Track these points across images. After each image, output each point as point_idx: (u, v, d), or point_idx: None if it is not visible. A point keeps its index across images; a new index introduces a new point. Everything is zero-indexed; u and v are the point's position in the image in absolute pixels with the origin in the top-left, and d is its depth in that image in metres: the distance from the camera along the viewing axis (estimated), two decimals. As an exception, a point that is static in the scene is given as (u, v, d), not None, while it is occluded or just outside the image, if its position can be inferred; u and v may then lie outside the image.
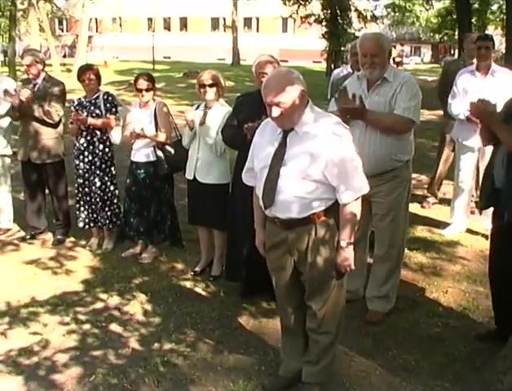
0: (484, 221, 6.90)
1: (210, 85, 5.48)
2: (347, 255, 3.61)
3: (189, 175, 5.69)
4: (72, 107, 6.38)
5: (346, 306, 5.01)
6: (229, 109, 5.50)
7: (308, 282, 3.72)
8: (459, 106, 6.45)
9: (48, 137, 6.59)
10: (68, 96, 6.76)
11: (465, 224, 7.05)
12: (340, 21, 30.69)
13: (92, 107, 6.31)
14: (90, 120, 6.20)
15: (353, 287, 5.17)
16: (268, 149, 3.57)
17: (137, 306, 5.22)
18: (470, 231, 7.00)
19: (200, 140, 5.58)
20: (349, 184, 3.47)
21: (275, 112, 3.42)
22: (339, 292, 3.79)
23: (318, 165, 3.42)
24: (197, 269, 5.90)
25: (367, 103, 4.65)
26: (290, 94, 3.42)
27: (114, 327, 4.86)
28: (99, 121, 6.22)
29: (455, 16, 28.15)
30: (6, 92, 6.31)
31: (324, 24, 31.40)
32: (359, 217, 3.60)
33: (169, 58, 47.00)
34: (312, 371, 3.92)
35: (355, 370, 4.24)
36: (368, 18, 33.15)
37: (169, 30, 55.62)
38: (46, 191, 6.97)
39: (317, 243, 3.59)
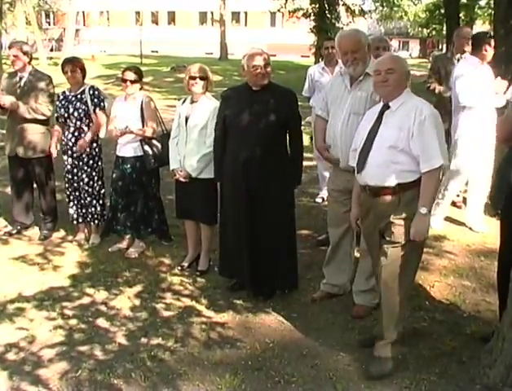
0: (469, 217, 6.95)
1: (200, 78, 5.47)
2: (424, 223, 3.90)
3: (175, 166, 5.68)
4: (58, 102, 6.34)
5: (332, 301, 5.14)
6: (217, 103, 5.48)
7: (388, 250, 4.06)
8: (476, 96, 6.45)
9: (35, 132, 6.53)
10: (56, 90, 6.70)
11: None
12: (328, 15, 30.56)
13: (78, 103, 6.27)
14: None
15: (339, 282, 5.21)
16: (367, 126, 4.11)
17: (124, 301, 5.20)
18: (457, 224, 7.03)
19: (187, 134, 5.55)
20: (428, 155, 3.84)
21: (384, 78, 3.98)
22: (411, 265, 4.12)
23: (404, 136, 3.88)
24: (184, 263, 5.89)
25: (349, 99, 4.70)
26: (400, 67, 4.02)
27: (101, 321, 4.84)
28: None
29: (443, 11, 28.24)
30: None
31: (312, 18, 31.29)
32: (436, 187, 4.05)
33: (157, 52, 46.83)
34: (381, 345, 4.20)
35: (342, 364, 4.25)
36: (357, 12, 33.10)
37: (156, 24, 55.37)
38: (34, 185, 6.93)
39: (400, 214, 3.95)
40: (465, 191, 7.29)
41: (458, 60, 7.17)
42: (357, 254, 5.24)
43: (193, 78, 5.47)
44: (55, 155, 6.55)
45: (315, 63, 26.45)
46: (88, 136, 6.29)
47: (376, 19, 51.71)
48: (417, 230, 3.89)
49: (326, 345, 4.50)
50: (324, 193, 7.83)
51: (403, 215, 3.94)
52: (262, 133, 4.93)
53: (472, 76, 6.45)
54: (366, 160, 4.01)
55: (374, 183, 3.99)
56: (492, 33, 7.17)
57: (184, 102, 5.70)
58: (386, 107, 4.05)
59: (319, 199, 8.00)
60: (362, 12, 33.90)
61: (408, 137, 3.86)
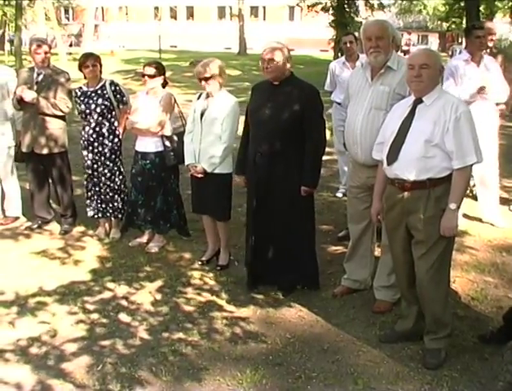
0: (485, 213, 6.91)
1: (206, 79, 5.44)
2: (453, 220, 3.91)
3: (190, 161, 5.67)
4: (77, 99, 6.37)
5: (353, 296, 5.12)
6: (233, 99, 5.52)
7: (417, 245, 4.07)
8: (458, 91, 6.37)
9: (53, 127, 6.57)
10: (74, 85, 6.73)
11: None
12: (347, 9, 30.49)
13: (100, 98, 6.28)
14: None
15: (360, 277, 5.19)
16: (398, 119, 4.09)
17: (145, 296, 5.22)
18: (477, 220, 6.98)
19: (202, 129, 5.54)
20: (463, 152, 3.84)
21: (418, 73, 3.93)
22: (445, 260, 4.13)
23: (438, 130, 3.86)
24: (204, 258, 5.90)
25: (370, 93, 4.66)
26: (434, 62, 3.98)
27: (122, 316, 4.87)
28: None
29: (463, 4, 27.97)
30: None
31: (331, 12, 31.21)
32: (467, 184, 4.05)
33: (176, 47, 46.91)
34: (432, 338, 4.21)
35: (363, 359, 4.24)
36: (376, 6, 32.93)
37: (175, 19, 55.44)
38: (50, 181, 6.97)
39: (429, 209, 3.96)
40: (474, 186, 7.26)
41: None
42: (378, 250, 5.23)
43: (200, 80, 5.48)
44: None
45: (334, 57, 26.40)
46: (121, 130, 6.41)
47: (395, 13, 51.43)
48: (447, 225, 3.89)
49: (347, 341, 4.49)
50: (345, 188, 7.81)
51: (433, 211, 3.94)
52: (276, 127, 4.92)
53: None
54: (398, 152, 3.99)
55: (405, 177, 3.97)
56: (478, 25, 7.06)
57: (200, 96, 5.69)
58: (418, 101, 4.02)
59: (339, 194, 7.97)
60: (381, 6, 33.71)
61: (442, 132, 3.85)
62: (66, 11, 55.39)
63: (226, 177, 5.60)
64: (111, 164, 6.42)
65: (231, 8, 51.04)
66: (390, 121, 4.22)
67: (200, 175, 5.56)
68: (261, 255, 5.22)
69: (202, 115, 5.53)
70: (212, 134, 5.48)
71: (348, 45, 7.47)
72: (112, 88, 6.33)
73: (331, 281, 5.45)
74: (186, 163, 5.71)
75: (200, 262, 5.86)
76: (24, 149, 6.68)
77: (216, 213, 5.74)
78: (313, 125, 4.94)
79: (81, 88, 6.41)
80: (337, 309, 4.98)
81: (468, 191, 7.32)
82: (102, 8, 53.92)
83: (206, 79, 5.43)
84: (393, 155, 4.04)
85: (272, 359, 4.23)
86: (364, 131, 4.64)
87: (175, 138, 5.97)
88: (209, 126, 5.49)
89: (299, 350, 4.34)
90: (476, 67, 6.48)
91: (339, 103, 7.54)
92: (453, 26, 44.79)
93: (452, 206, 3.87)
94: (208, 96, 5.58)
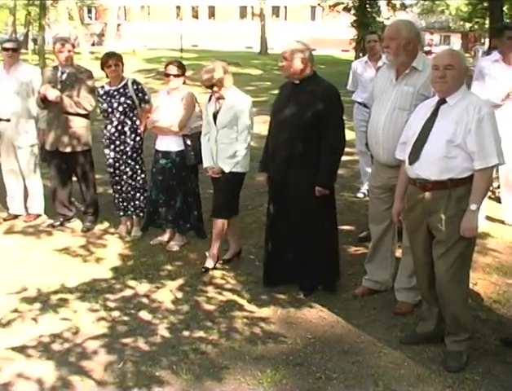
0: (508, 214, 6.84)
1: (211, 86, 5.45)
2: (473, 220, 3.90)
3: (208, 164, 5.70)
4: (99, 98, 6.40)
5: (374, 297, 5.10)
6: (246, 98, 5.53)
7: (438, 245, 4.06)
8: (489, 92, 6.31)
9: (76, 126, 6.61)
10: (97, 84, 6.78)
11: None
12: (369, 9, 30.38)
13: (122, 97, 6.31)
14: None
15: (381, 278, 5.17)
16: (421, 119, 4.08)
17: (166, 294, 5.23)
18: (500, 222, 6.91)
19: (217, 131, 5.54)
20: (484, 153, 3.82)
21: (443, 74, 3.92)
22: (465, 261, 4.11)
23: (460, 131, 3.85)
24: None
25: (394, 93, 4.63)
26: (459, 63, 3.96)
27: (143, 314, 4.88)
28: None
29: (486, 4, 27.75)
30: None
31: (352, 12, 31.11)
32: (488, 186, 4.06)
33: (197, 46, 47.04)
34: (453, 340, 4.17)
35: (384, 361, 4.21)
36: (398, 6, 32.77)
37: (197, 18, 55.61)
38: (74, 178, 7.01)
39: (450, 209, 3.94)
40: (497, 187, 7.18)
41: None
42: (399, 251, 5.20)
43: (205, 87, 5.52)
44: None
45: (356, 57, 26.33)
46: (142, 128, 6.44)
47: (417, 14, 51.15)
48: (467, 226, 3.87)
49: (368, 342, 4.47)
50: (366, 188, 7.78)
51: (454, 211, 3.91)
52: (294, 125, 4.92)
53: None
54: (420, 152, 3.97)
55: (426, 176, 3.95)
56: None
57: (211, 98, 5.68)
58: (442, 101, 4.00)
59: (360, 195, 7.94)
60: (403, 6, 33.55)
61: (464, 132, 3.83)
62: (89, 11, 55.84)
63: (238, 177, 5.61)
64: (132, 163, 6.45)
65: (252, 8, 51.13)
66: (413, 121, 4.20)
67: (217, 175, 5.59)
68: (279, 255, 5.23)
69: (215, 117, 5.52)
70: (227, 136, 5.49)
71: (372, 44, 7.44)
72: (134, 87, 6.35)
73: (352, 282, 5.43)
74: (204, 165, 5.73)
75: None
76: (47, 147, 6.73)
77: (217, 210, 5.70)
78: (330, 124, 4.90)
79: (103, 87, 6.44)
80: (357, 309, 4.96)
81: (490, 193, 7.27)
82: (124, 8, 54.22)
83: (209, 87, 5.45)
84: (415, 154, 4.02)
85: (293, 359, 4.22)
86: (387, 131, 4.62)
87: (196, 137, 5.97)
88: (223, 128, 5.49)
89: (320, 351, 4.33)
90: (507, 68, 6.41)
91: (361, 103, 7.52)
92: (476, 26, 44.41)
93: (473, 207, 3.85)
94: (219, 97, 5.57)
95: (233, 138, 5.48)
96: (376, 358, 4.26)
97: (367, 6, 30.26)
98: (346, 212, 7.20)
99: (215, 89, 5.45)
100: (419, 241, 4.20)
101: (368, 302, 5.07)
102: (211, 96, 5.66)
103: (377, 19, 30.66)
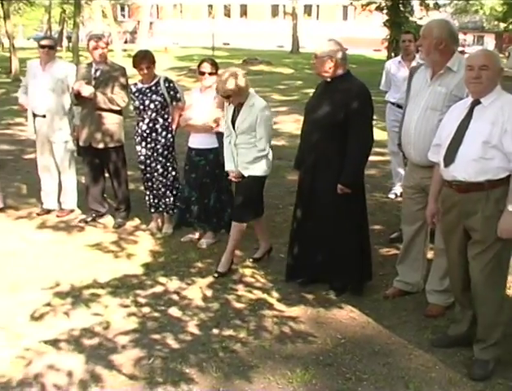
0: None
1: (227, 97, 5.40)
2: (511, 221, 3.82)
3: (229, 167, 5.67)
4: (132, 95, 6.44)
5: (405, 299, 5.06)
6: (264, 105, 5.43)
7: (473, 245, 4.01)
8: None
9: (110, 122, 6.68)
10: (130, 81, 6.83)
11: None
12: (402, 9, 30.16)
13: (154, 95, 6.34)
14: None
15: (413, 280, 5.12)
16: (455, 120, 4.02)
17: (196, 291, 5.25)
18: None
19: (236, 137, 5.50)
20: None
21: (477, 74, 3.88)
22: (501, 263, 4.05)
23: (496, 131, 3.79)
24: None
25: (428, 93, 4.60)
26: (494, 64, 3.91)
27: (173, 311, 4.90)
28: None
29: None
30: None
31: (385, 11, 30.90)
32: None
33: (229, 44, 47.14)
34: (481, 348, 4.11)
35: (415, 363, 4.17)
36: (431, 6, 32.47)
37: (229, 17, 55.76)
38: (107, 174, 7.08)
39: (487, 210, 3.89)
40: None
41: None
42: (431, 252, 5.15)
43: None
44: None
45: (388, 57, 26.19)
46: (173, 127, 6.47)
47: (450, 13, 50.63)
48: (504, 227, 3.81)
49: (398, 344, 4.43)
50: (397, 189, 7.73)
51: (491, 212, 3.86)
52: (323, 124, 4.91)
53: None
54: (456, 154, 3.92)
55: (463, 178, 3.90)
56: None
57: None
58: (476, 102, 3.94)
59: (391, 195, 7.88)
60: (436, 6, 33.23)
61: (500, 133, 3.77)
62: (122, 9, 56.34)
63: (258, 180, 5.55)
64: (163, 160, 6.48)
65: (284, 6, 51.12)
66: (446, 123, 4.14)
67: (237, 180, 5.58)
68: (306, 254, 5.23)
69: (234, 122, 5.48)
70: (246, 141, 5.45)
71: (407, 43, 7.39)
72: (166, 84, 6.38)
73: (383, 283, 5.40)
74: (226, 168, 5.71)
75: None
76: (81, 143, 6.81)
77: (236, 213, 5.66)
78: (358, 123, 4.86)
79: (136, 84, 6.48)
80: (388, 311, 4.92)
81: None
82: (157, 6, 54.58)
83: (226, 97, 5.41)
84: (450, 156, 3.97)
85: (323, 359, 4.20)
86: (419, 131, 4.59)
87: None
88: (242, 134, 5.45)
89: (350, 351, 4.31)
90: None
91: (393, 103, 7.47)
92: (511, 27, 43.84)
93: (510, 208, 3.79)
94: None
95: (252, 143, 5.43)
96: (406, 360, 4.23)
97: (400, 5, 30.03)
98: (377, 212, 7.16)
99: (231, 99, 5.40)
100: (454, 243, 4.15)
101: (399, 304, 5.03)
102: None
103: (410, 18, 30.42)
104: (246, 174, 5.48)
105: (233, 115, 5.50)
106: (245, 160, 5.46)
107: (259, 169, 5.47)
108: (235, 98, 5.39)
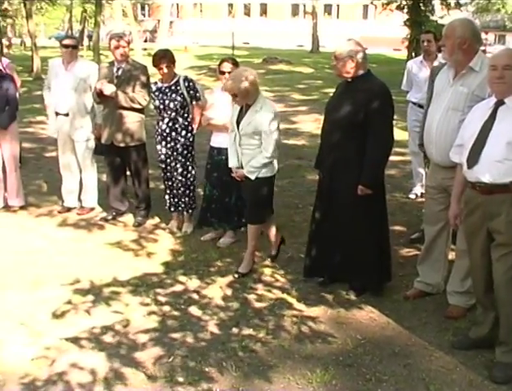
0: None
1: (234, 96, 5.33)
2: None
3: (233, 164, 5.63)
4: (152, 94, 6.46)
5: (425, 300, 5.03)
6: (273, 111, 5.35)
7: (497, 248, 3.97)
8: None
9: (131, 120, 6.70)
10: (151, 79, 6.85)
11: None
12: (422, 8, 29.96)
13: (174, 94, 6.35)
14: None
15: (433, 281, 5.10)
16: (478, 121, 3.98)
17: (216, 290, 5.26)
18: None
19: (240, 138, 5.44)
20: None
21: (501, 74, 3.85)
22: None
23: None
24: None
25: (450, 93, 4.57)
26: None
27: (193, 309, 4.92)
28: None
29: (545, 3, 27.13)
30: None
31: (405, 10, 30.71)
32: None
33: (248, 43, 47.16)
34: (504, 351, 4.07)
35: (435, 365, 4.15)
36: (452, 5, 32.23)
37: (248, 16, 55.76)
38: (128, 173, 7.12)
39: None
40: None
41: None
42: (452, 253, 5.12)
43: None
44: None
45: (408, 56, 26.04)
46: (195, 128, 6.48)
47: (471, 12, 50.24)
48: None
49: (419, 345, 4.41)
50: (418, 189, 7.70)
51: None
52: (343, 124, 4.89)
53: None
54: (479, 155, 3.88)
55: (487, 180, 3.87)
56: None
57: None
58: (500, 102, 3.91)
59: (412, 195, 7.84)
60: (458, 5, 32.97)
61: None
62: (142, 8, 56.61)
63: (266, 181, 5.50)
64: (183, 160, 6.49)
65: (304, 5, 51.05)
66: (469, 123, 4.11)
67: (239, 179, 5.56)
68: (325, 254, 5.21)
69: (238, 123, 5.42)
70: (250, 144, 5.40)
71: (426, 44, 7.34)
72: (186, 84, 6.38)
73: (403, 283, 5.37)
74: (229, 165, 5.67)
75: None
76: (103, 141, 6.87)
77: (251, 215, 5.65)
78: (379, 122, 4.82)
79: (156, 83, 6.50)
80: (409, 311, 4.90)
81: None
82: (177, 5, 54.70)
83: (234, 95, 5.32)
84: (473, 158, 3.93)
85: (343, 360, 4.19)
86: (440, 131, 4.56)
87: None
88: (245, 136, 5.39)
89: (370, 352, 4.29)
90: None
91: (415, 103, 7.43)
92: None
93: None
94: (245, 104, 5.42)
95: (256, 146, 5.37)
96: (427, 361, 4.20)
97: (420, 4, 29.85)
98: (397, 213, 7.12)
99: (237, 98, 5.34)
100: (477, 244, 4.12)
101: (420, 305, 5.00)
102: None
103: (431, 17, 30.22)
104: (252, 177, 5.41)
105: (239, 115, 5.44)
106: (250, 162, 5.39)
107: (267, 171, 5.43)
108: (241, 100, 5.33)
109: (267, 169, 5.43)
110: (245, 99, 5.33)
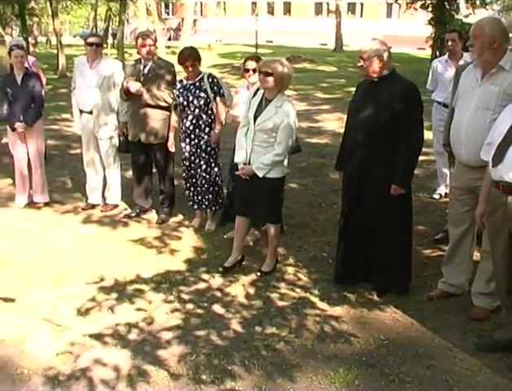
0: None
1: (267, 74, 5.18)
2: None
3: (240, 159, 5.51)
4: (176, 91, 6.48)
5: (449, 301, 4.99)
6: (292, 110, 5.27)
7: None
8: None
9: (157, 118, 6.73)
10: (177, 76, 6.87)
11: None
12: (447, 7, 29.73)
13: (197, 91, 6.36)
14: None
15: (458, 282, 5.06)
16: (509, 120, 3.96)
17: (239, 288, 5.27)
18: None
19: (254, 134, 5.36)
20: None
21: None
22: None
23: None
24: (227, 265, 5.63)
25: (479, 92, 4.52)
26: None
27: (216, 307, 4.93)
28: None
29: None
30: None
31: (430, 9, 30.49)
32: None
33: (272, 42, 47.08)
34: None
35: (460, 367, 4.11)
36: (477, 3, 31.92)
37: (272, 14, 55.69)
38: (153, 170, 7.15)
39: None
40: None
41: None
42: (477, 254, 5.08)
43: (260, 73, 5.24)
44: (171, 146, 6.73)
45: (432, 55, 25.88)
46: (217, 128, 6.43)
47: (497, 11, 49.76)
48: None
49: (442, 346, 4.37)
50: (442, 189, 7.65)
51: None
52: (371, 124, 4.86)
53: None
54: (504, 154, 3.86)
55: (510, 179, 3.84)
56: None
57: (256, 93, 5.45)
58: None
59: (436, 196, 7.78)
60: (483, 3, 32.65)
61: None
62: (166, 6, 56.70)
63: (277, 182, 5.44)
64: (207, 156, 6.49)
65: (328, 4, 50.82)
66: (501, 122, 4.07)
67: (245, 177, 5.43)
68: (352, 254, 5.20)
69: (255, 118, 5.33)
70: (264, 140, 5.32)
71: (451, 43, 7.27)
72: (210, 80, 6.40)
73: (426, 284, 5.34)
74: (235, 160, 5.59)
75: (220, 269, 5.59)
76: (130, 138, 6.92)
77: (268, 215, 5.59)
78: (409, 123, 4.80)
79: (181, 81, 6.52)
80: (432, 312, 4.87)
81: None
82: (200, 3, 54.83)
83: (267, 74, 5.18)
84: (498, 157, 3.91)
85: (365, 360, 4.17)
86: (470, 131, 4.51)
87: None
88: (260, 132, 5.31)
89: (393, 353, 4.27)
90: None
91: (440, 103, 7.37)
92: (560, 25, 42.85)
93: None
94: (264, 98, 5.35)
95: (269, 144, 5.30)
96: (451, 363, 4.17)
97: (445, 3, 29.62)
98: (421, 212, 7.07)
99: (268, 79, 5.18)
100: (500, 245, 4.08)
101: (444, 306, 4.96)
102: (257, 91, 5.46)
103: (456, 16, 29.97)
104: (260, 175, 5.31)
105: (257, 109, 5.35)
106: (260, 159, 5.31)
107: (276, 171, 5.35)
108: (271, 82, 5.17)
109: (277, 170, 5.35)
110: (276, 84, 5.21)
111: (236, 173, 5.55)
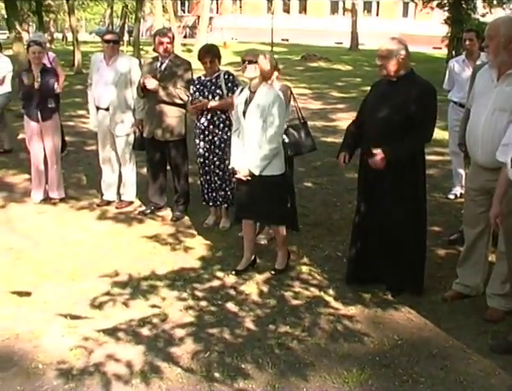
0: None
1: (251, 62, 5.19)
2: None
3: (236, 163, 5.45)
4: (193, 87, 6.49)
5: (463, 302, 4.97)
6: (278, 93, 5.29)
7: None
8: None
9: (173, 115, 6.75)
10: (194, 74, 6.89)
11: None
12: (464, 6, 29.54)
13: (213, 87, 6.38)
14: (211, 104, 6.29)
15: (472, 283, 5.03)
16: None
17: (253, 287, 5.27)
18: None
19: (245, 128, 5.33)
20: None
21: None
22: None
23: None
24: (239, 268, 5.61)
25: (495, 93, 4.49)
26: None
27: (230, 305, 4.93)
28: (217, 103, 6.30)
29: None
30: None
31: (446, 8, 30.31)
32: None
33: (288, 40, 47.06)
34: None
35: (474, 369, 4.09)
36: (494, 2, 31.69)
37: (288, 13, 55.61)
38: (168, 168, 7.16)
39: None
40: None
41: None
42: (492, 255, 5.05)
43: (244, 62, 5.23)
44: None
45: (448, 55, 25.73)
46: (214, 104, 6.36)
47: (514, 10, 49.37)
48: None
49: (456, 347, 4.35)
50: (458, 190, 7.61)
51: None
52: (387, 123, 4.82)
53: None
54: None
55: None
56: None
57: (242, 91, 5.48)
58: None
59: (451, 196, 7.73)
60: (500, 2, 32.42)
61: None
62: (182, 4, 56.83)
63: (277, 179, 5.38)
64: (221, 153, 6.49)
65: (344, 3, 50.68)
66: None
67: (245, 178, 5.34)
68: (366, 253, 5.18)
69: (244, 112, 5.31)
70: (256, 133, 5.25)
71: (468, 42, 7.23)
72: (226, 76, 6.42)
73: (441, 285, 5.31)
74: (231, 165, 5.54)
75: (233, 273, 5.55)
76: (145, 135, 6.95)
77: (269, 218, 5.59)
78: (425, 120, 4.80)
79: (200, 77, 6.54)
80: (446, 313, 4.84)
81: None
82: (217, 1, 54.82)
83: (251, 63, 5.18)
84: None
85: (379, 360, 4.16)
86: (486, 132, 4.48)
87: (291, 130, 5.96)
88: (251, 125, 5.27)
89: (407, 353, 4.26)
90: None
91: (456, 103, 7.34)
92: None
93: None
94: (250, 92, 5.34)
95: (262, 136, 5.24)
96: (465, 364, 4.15)
97: (462, 2, 29.44)
98: (436, 213, 7.03)
99: (248, 65, 5.18)
100: None
101: (458, 306, 4.94)
102: (243, 89, 5.50)
103: (472, 16, 29.78)
104: (257, 173, 5.25)
105: (244, 106, 5.31)
106: (256, 155, 5.24)
107: (273, 168, 5.30)
108: (253, 72, 5.18)
109: (274, 166, 5.31)
110: (261, 73, 5.20)
111: (235, 176, 5.49)
